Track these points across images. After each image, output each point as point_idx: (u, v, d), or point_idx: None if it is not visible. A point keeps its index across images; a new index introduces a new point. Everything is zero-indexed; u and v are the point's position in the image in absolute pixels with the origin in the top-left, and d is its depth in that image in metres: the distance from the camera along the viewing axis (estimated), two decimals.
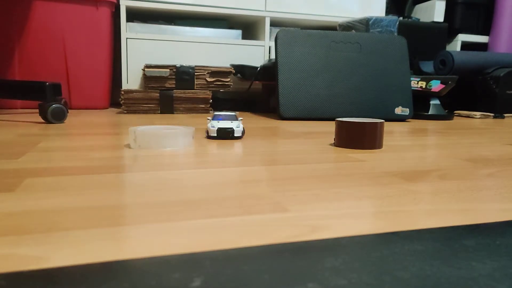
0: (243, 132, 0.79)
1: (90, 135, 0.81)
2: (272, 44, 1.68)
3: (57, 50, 1.47)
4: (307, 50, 1.28)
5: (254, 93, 1.74)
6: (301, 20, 1.73)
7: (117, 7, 1.60)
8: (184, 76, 1.41)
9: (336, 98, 1.27)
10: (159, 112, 1.38)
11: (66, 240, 0.27)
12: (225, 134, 0.76)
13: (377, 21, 1.45)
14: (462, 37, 1.99)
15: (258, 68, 1.49)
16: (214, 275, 0.23)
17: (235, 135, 0.77)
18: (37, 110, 1.42)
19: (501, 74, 1.54)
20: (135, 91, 1.35)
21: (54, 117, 1.00)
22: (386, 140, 0.82)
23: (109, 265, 0.24)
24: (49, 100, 1.01)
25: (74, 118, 1.17)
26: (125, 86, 1.54)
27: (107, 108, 1.58)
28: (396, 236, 0.29)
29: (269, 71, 1.48)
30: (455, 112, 1.64)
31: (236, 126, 0.77)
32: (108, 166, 0.51)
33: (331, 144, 0.74)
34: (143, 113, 1.37)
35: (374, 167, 0.54)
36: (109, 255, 0.25)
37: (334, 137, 0.85)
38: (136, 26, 1.55)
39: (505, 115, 1.57)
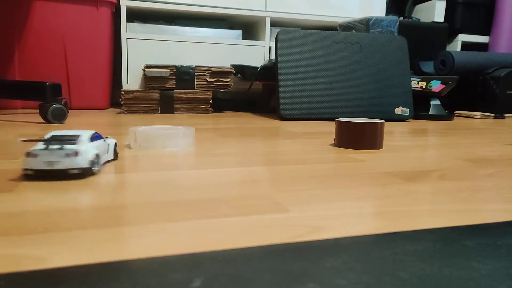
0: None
1: None
2: (272, 44, 1.68)
3: (57, 50, 1.47)
4: (307, 50, 1.28)
5: (254, 93, 1.74)
6: (301, 20, 1.73)
7: (117, 7, 1.60)
8: (184, 76, 1.41)
9: (336, 98, 1.27)
10: (159, 112, 1.38)
11: (66, 240, 0.27)
12: None
13: (377, 21, 1.45)
14: (462, 37, 1.99)
15: (259, 68, 1.49)
16: (214, 275, 0.23)
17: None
18: (37, 110, 1.42)
19: (502, 74, 1.54)
20: (135, 91, 1.35)
21: (54, 117, 1.00)
22: (386, 140, 0.82)
23: (109, 265, 0.24)
24: (49, 100, 1.01)
25: (74, 118, 1.17)
26: (125, 86, 1.54)
27: (107, 108, 1.58)
28: (396, 236, 0.29)
29: (269, 71, 1.48)
30: (455, 112, 1.64)
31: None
32: (108, 166, 0.51)
33: (331, 144, 0.74)
34: (143, 113, 1.37)
35: (374, 167, 0.54)
36: (109, 255, 0.25)
37: (334, 137, 0.85)
38: (136, 26, 1.55)
39: (506, 115, 1.56)
